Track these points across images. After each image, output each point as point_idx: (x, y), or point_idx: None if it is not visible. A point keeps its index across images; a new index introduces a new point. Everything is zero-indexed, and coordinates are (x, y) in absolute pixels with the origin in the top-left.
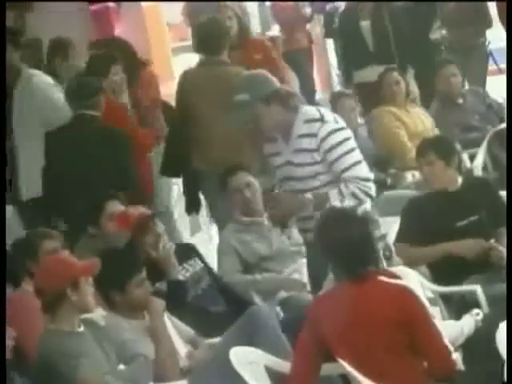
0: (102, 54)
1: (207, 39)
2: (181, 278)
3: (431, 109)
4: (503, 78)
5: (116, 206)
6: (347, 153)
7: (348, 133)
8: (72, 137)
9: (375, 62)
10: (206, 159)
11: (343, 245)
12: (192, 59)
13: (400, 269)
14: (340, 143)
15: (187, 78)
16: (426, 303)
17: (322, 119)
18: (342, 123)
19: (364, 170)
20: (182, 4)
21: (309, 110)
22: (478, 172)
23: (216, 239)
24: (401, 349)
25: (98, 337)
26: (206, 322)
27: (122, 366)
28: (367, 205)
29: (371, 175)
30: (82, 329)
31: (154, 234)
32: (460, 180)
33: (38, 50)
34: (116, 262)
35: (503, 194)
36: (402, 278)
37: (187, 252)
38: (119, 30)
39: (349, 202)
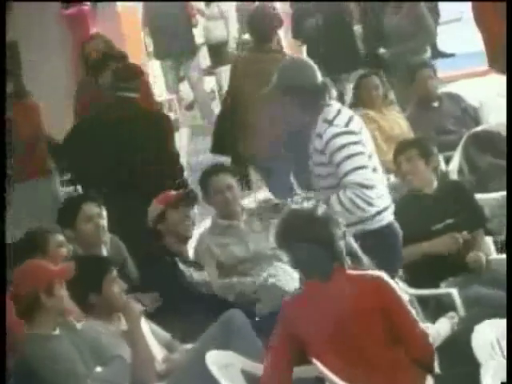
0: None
1: (257, 27)
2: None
3: (407, 112)
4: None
5: (92, 209)
6: (350, 157)
7: (356, 137)
8: (112, 119)
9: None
10: (250, 145)
11: (306, 246)
12: None
13: (372, 272)
14: (343, 147)
15: (238, 64)
16: (399, 290)
17: (331, 121)
18: (353, 127)
19: (366, 177)
20: None
21: (328, 110)
22: (454, 175)
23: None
24: (382, 337)
25: (75, 339)
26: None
27: (99, 368)
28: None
29: (376, 183)
30: (57, 331)
31: (183, 212)
32: (436, 183)
33: (15, 52)
34: (88, 264)
35: (479, 196)
36: None
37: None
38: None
39: (348, 209)
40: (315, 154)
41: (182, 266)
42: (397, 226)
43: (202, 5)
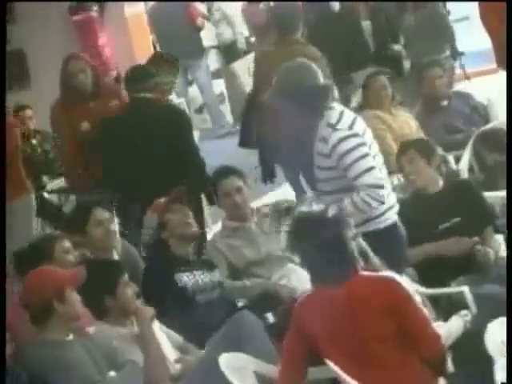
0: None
1: (282, 20)
2: (189, 282)
3: (416, 111)
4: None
5: (102, 213)
6: (358, 160)
7: (361, 139)
8: (129, 120)
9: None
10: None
11: (318, 248)
12: None
13: (385, 273)
14: (351, 150)
15: (263, 57)
16: (411, 290)
17: (335, 125)
18: (357, 129)
19: (376, 177)
20: None
21: (331, 114)
22: (464, 173)
23: None
24: (393, 339)
25: (87, 345)
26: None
27: (112, 373)
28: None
29: (384, 182)
30: (71, 337)
31: (182, 212)
32: (441, 182)
33: (22, 61)
34: (102, 267)
35: (489, 195)
36: None
37: (210, 265)
38: (103, 40)
39: (362, 210)
40: (319, 157)
41: (181, 276)
42: (400, 225)
43: (205, 10)
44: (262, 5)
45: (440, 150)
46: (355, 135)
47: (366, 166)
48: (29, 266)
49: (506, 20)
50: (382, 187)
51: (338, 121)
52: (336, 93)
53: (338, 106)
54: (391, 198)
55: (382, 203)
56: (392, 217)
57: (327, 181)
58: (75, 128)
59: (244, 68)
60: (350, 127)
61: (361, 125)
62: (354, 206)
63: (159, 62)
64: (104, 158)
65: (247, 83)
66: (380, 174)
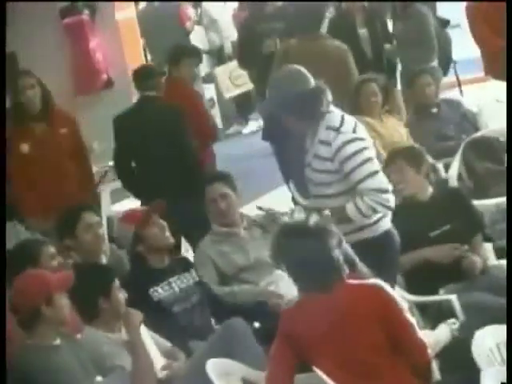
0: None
1: (305, 15)
2: (165, 294)
3: (406, 118)
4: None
5: (92, 218)
6: (363, 163)
7: (365, 143)
8: (137, 117)
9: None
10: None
11: (302, 259)
12: None
13: (372, 279)
14: (355, 153)
15: (289, 50)
16: (398, 297)
17: (338, 129)
18: (360, 133)
19: (381, 181)
20: None
21: (332, 117)
22: (454, 181)
23: (192, 251)
24: (381, 347)
25: (76, 349)
26: (188, 336)
27: (99, 378)
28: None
29: (389, 186)
30: (58, 341)
31: (159, 225)
32: (431, 190)
33: (14, 64)
34: (97, 270)
35: (478, 203)
36: None
37: (185, 264)
38: (94, 43)
39: (366, 216)
40: (318, 161)
41: (157, 289)
42: (395, 232)
43: (192, 13)
44: None
45: (429, 158)
46: (360, 139)
47: (371, 170)
48: (14, 271)
49: (506, 20)
50: (387, 191)
51: (341, 124)
52: (330, 95)
53: (336, 110)
54: None
55: (389, 208)
56: (386, 223)
57: (330, 184)
58: (15, 148)
59: (225, 74)
60: (354, 131)
61: (362, 129)
62: (358, 211)
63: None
64: (116, 154)
65: (227, 89)
66: (384, 177)
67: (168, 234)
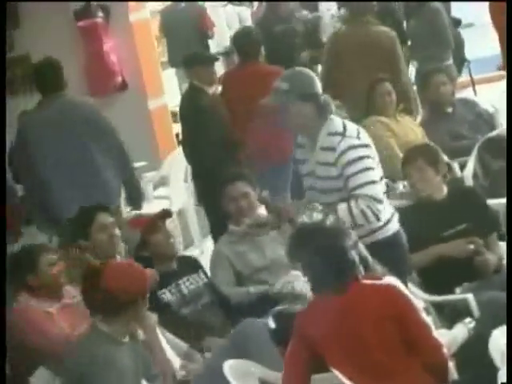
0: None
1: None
2: (173, 298)
3: (421, 117)
4: (493, 87)
5: (106, 218)
6: (363, 171)
7: (368, 151)
8: (185, 105)
9: None
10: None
11: (317, 258)
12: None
13: (387, 279)
14: (358, 159)
15: (338, 36)
16: (413, 297)
17: (343, 133)
18: (364, 139)
19: (378, 191)
20: None
21: (333, 123)
22: (469, 180)
23: (208, 253)
24: (396, 347)
25: (136, 351)
26: (202, 336)
27: (144, 383)
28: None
29: (384, 198)
30: (127, 339)
31: (164, 232)
32: (445, 189)
33: (27, 65)
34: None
35: (494, 202)
36: None
37: (194, 265)
38: (108, 45)
39: (355, 220)
40: (322, 167)
41: (164, 292)
42: (403, 233)
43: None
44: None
45: (445, 157)
46: (364, 145)
47: (370, 179)
48: (12, 278)
49: (506, 20)
50: (380, 202)
51: (345, 129)
52: (333, 106)
53: (336, 117)
54: (388, 210)
55: (378, 219)
56: (395, 225)
57: (332, 192)
58: None
59: None
60: (358, 136)
61: (365, 135)
62: (349, 212)
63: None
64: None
65: None
66: (380, 189)
67: (172, 241)
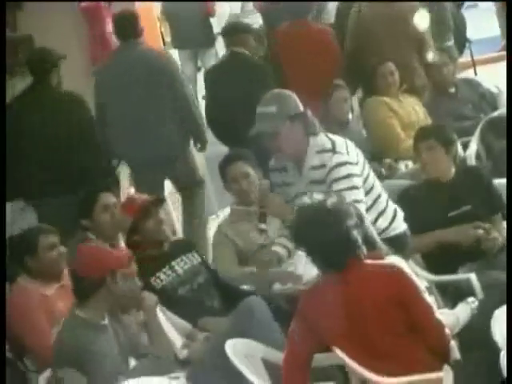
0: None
1: None
2: (168, 279)
3: (424, 98)
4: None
5: (109, 198)
6: (349, 189)
7: (355, 169)
8: (224, 72)
9: None
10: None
11: (319, 239)
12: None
13: (390, 259)
14: (345, 177)
15: (363, 9)
16: (416, 277)
17: (333, 149)
18: (352, 155)
19: (362, 210)
20: None
21: (320, 141)
22: (472, 161)
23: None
24: (399, 327)
25: (118, 331)
26: (201, 315)
27: (133, 362)
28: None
29: (366, 217)
30: (106, 321)
31: (157, 218)
32: (453, 170)
33: (31, 47)
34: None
35: (497, 181)
36: None
37: (186, 246)
38: (110, 27)
39: None
40: (315, 186)
41: (159, 275)
42: (408, 235)
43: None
44: None
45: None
46: (352, 163)
47: (356, 198)
48: (12, 261)
49: (506, 20)
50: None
51: (334, 144)
52: (317, 123)
53: (319, 133)
54: (389, 211)
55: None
56: (399, 227)
57: None
58: None
59: None
60: (347, 151)
61: (353, 148)
62: None
63: None
64: (208, 105)
65: None
66: (364, 209)
67: (165, 227)
